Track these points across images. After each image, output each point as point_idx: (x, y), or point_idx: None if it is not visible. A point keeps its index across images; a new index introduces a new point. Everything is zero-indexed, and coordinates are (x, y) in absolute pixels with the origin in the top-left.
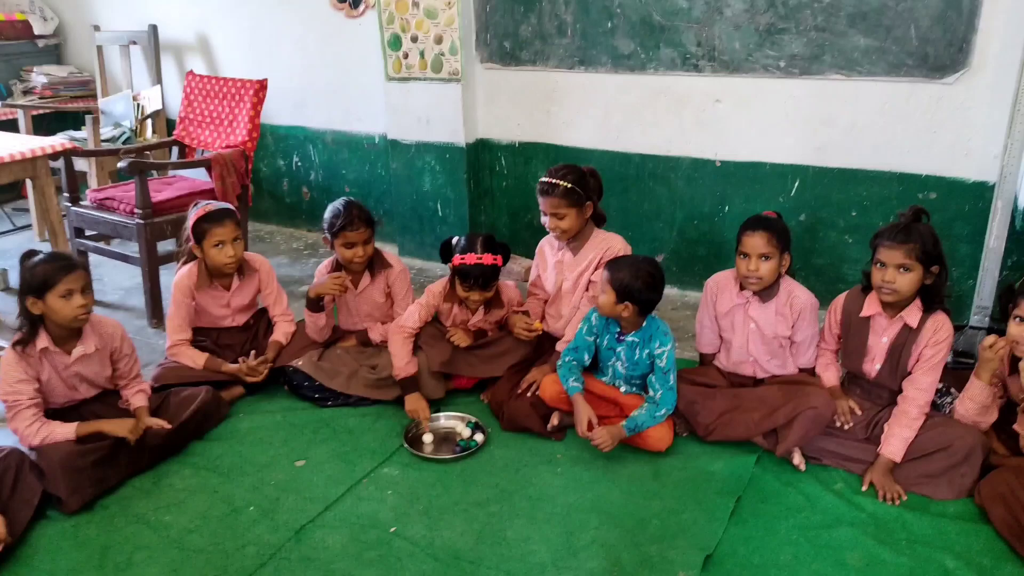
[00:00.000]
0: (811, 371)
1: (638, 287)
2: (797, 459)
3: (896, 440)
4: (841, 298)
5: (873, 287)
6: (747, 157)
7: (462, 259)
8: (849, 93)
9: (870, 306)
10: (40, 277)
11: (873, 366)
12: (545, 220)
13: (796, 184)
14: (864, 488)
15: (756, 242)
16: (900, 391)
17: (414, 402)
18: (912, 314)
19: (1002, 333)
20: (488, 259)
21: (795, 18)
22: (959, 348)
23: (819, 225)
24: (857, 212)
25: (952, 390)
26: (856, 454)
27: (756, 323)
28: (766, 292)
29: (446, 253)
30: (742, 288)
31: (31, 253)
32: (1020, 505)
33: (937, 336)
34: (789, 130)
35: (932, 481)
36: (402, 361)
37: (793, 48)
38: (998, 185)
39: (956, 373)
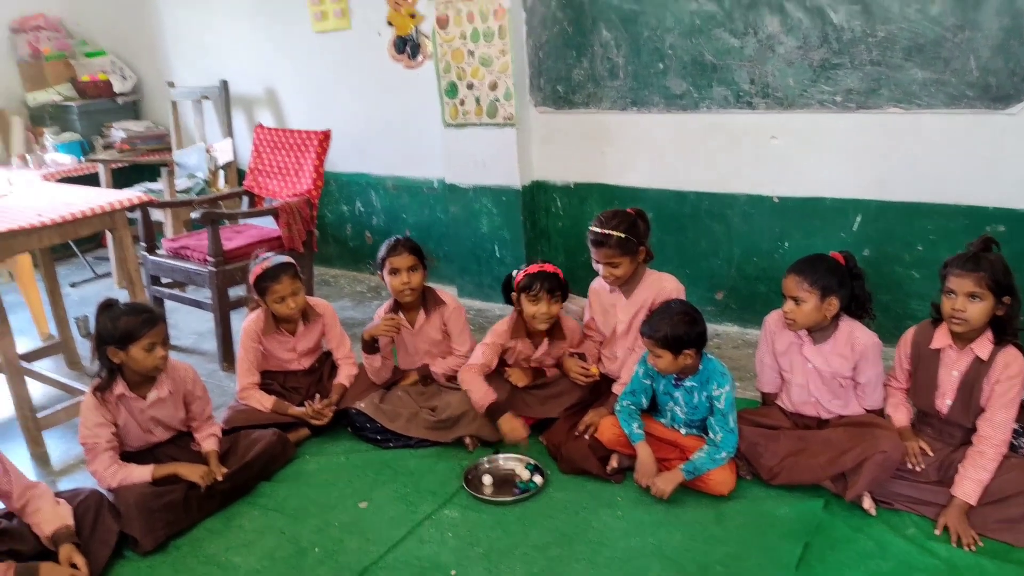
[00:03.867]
0: (879, 412)
1: (684, 331)
2: (867, 503)
3: (970, 482)
4: (911, 331)
5: (943, 317)
6: (806, 193)
7: (525, 271)
8: (909, 126)
9: (940, 338)
10: (124, 329)
11: (944, 402)
12: (598, 267)
13: (858, 219)
14: (938, 532)
15: (788, 284)
16: (973, 429)
17: (509, 422)
18: (982, 346)
19: None
20: (549, 267)
21: (849, 53)
22: None
23: (884, 260)
24: (923, 246)
25: None
26: (929, 497)
27: (812, 363)
28: (820, 333)
29: (507, 289)
30: None
31: (109, 303)
32: None
33: (1009, 371)
34: (848, 164)
35: (1012, 527)
36: (480, 392)
37: (849, 83)
38: None
39: None
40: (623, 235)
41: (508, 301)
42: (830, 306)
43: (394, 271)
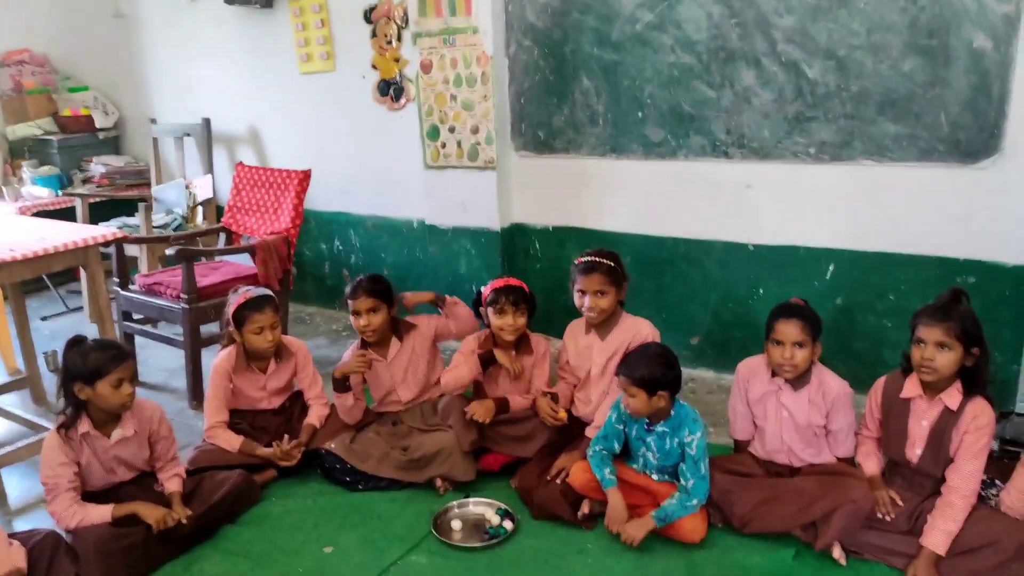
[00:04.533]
0: (850, 460)
1: (660, 372)
2: (837, 553)
3: (939, 532)
4: (881, 381)
5: (913, 366)
6: (781, 241)
7: (491, 286)
8: (881, 178)
9: (910, 388)
10: (93, 365)
11: (914, 451)
12: (582, 300)
13: (831, 268)
14: None
15: (790, 330)
16: (943, 479)
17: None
18: (952, 396)
19: None
20: (514, 281)
21: (824, 106)
22: (1006, 436)
23: (856, 309)
24: (895, 296)
25: (997, 481)
26: (899, 547)
27: (788, 411)
28: (798, 380)
29: (476, 304)
30: (774, 375)
31: (78, 339)
32: None
33: (978, 421)
34: (822, 215)
35: None
36: (462, 371)
37: (823, 135)
38: None
39: (1001, 464)
40: (612, 264)
41: (477, 311)
42: (818, 349)
43: (355, 313)
